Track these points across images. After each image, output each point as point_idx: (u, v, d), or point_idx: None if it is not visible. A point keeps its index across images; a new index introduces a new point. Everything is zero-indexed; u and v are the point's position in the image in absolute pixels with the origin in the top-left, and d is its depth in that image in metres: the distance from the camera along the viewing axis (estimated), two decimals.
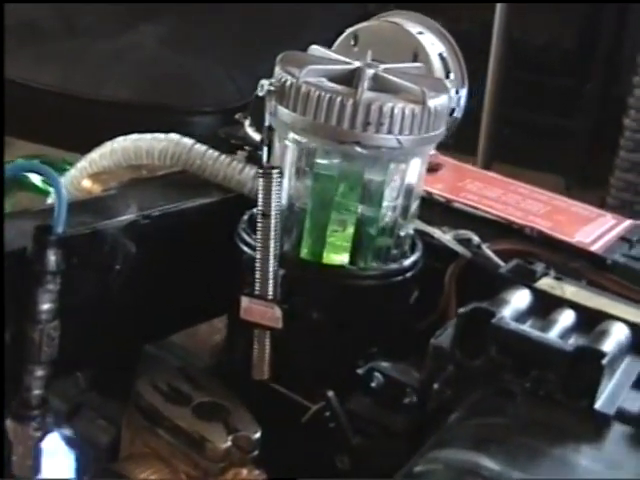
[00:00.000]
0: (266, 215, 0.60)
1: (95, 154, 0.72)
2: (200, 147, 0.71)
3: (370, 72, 0.60)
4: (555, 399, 0.52)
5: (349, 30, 0.82)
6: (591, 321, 0.58)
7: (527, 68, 2.05)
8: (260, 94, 0.60)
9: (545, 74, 2.07)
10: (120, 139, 0.72)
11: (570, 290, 0.61)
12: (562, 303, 0.60)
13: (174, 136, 0.71)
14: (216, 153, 0.71)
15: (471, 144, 1.85)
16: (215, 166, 0.70)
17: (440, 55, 0.82)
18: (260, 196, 0.60)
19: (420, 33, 0.82)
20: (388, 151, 0.59)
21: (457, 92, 0.83)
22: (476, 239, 0.68)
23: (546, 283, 0.62)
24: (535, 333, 0.54)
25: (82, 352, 0.65)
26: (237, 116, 0.80)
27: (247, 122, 0.77)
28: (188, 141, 0.71)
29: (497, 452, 0.49)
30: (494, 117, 1.71)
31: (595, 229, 0.71)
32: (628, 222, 0.73)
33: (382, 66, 0.62)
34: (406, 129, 0.58)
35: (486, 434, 0.52)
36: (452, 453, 0.50)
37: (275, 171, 0.59)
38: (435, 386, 0.55)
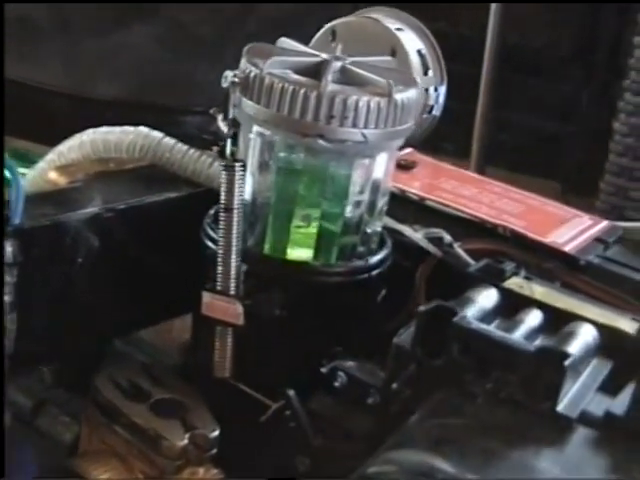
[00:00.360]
0: (228, 209, 0.59)
1: (63, 146, 0.71)
2: (169, 141, 0.70)
3: (337, 64, 0.59)
4: (516, 401, 0.51)
5: (327, 25, 0.81)
6: (559, 322, 0.57)
7: (524, 71, 2.03)
8: (224, 85, 0.59)
9: (542, 78, 2.05)
10: (89, 131, 0.71)
11: (539, 290, 0.60)
12: (530, 303, 0.59)
13: (143, 129, 0.70)
14: (185, 147, 0.70)
15: (466, 148, 1.84)
16: (184, 160, 0.69)
17: (419, 52, 0.81)
18: (223, 190, 0.59)
19: (399, 29, 0.81)
20: (353, 145, 0.58)
21: (436, 90, 0.82)
22: (448, 238, 0.67)
23: (515, 283, 0.61)
24: (497, 333, 0.53)
25: (45, 346, 0.64)
26: (212, 111, 0.79)
27: (220, 117, 0.75)
28: (157, 134, 0.70)
29: (453, 454, 0.48)
30: (487, 121, 1.69)
31: (570, 229, 0.69)
32: (604, 223, 0.72)
33: (350, 59, 0.61)
34: (371, 123, 0.57)
35: (444, 436, 0.50)
36: (407, 454, 0.48)
37: (238, 164, 0.58)
38: (394, 386, 0.54)
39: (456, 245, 0.66)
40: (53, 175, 0.69)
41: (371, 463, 0.49)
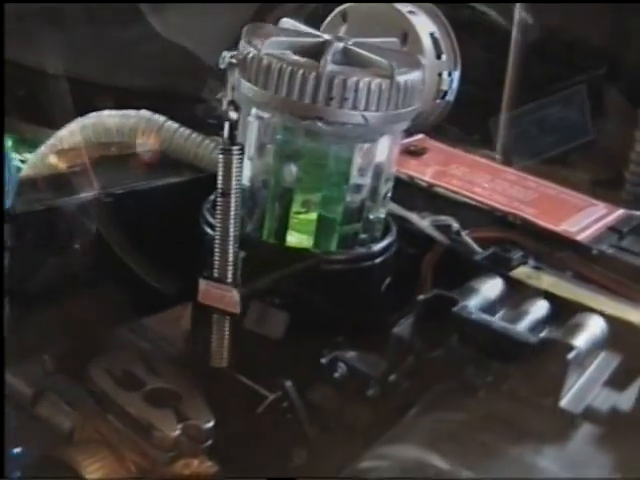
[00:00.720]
0: (226, 194, 0.57)
1: (65, 131, 0.70)
2: (171, 124, 0.68)
3: (339, 45, 0.57)
4: (518, 395, 0.49)
5: (338, 9, 0.79)
6: (567, 314, 0.55)
7: (555, 63, 1.99)
8: (221, 67, 0.57)
9: (574, 69, 2.01)
10: (91, 115, 0.69)
11: (547, 280, 0.58)
12: (538, 294, 0.57)
13: (145, 113, 0.68)
14: (188, 131, 0.68)
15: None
16: (186, 144, 0.68)
17: (432, 35, 0.78)
18: (220, 174, 0.57)
19: (411, 12, 0.78)
20: (353, 128, 0.55)
21: (450, 74, 0.79)
22: (456, 225, 0.65)
23: (523, 272, 0.59)
24: (498, 323, 0.51)
25: (42, 333, 0.63)
26: (219, 95, 0.77)
27: (225, 101, 0.74)
28: (159, 118, 0.68)
29: (449, 450, 0.46)
30: (513, 112, 1.66)
31: (584, 218, 0.67)
32: (620, 212, 0.69)
33: (353, 40, 0.59)
34: (372, 105, 0.55)
35: (441, 430, 0.48)
36: (400, 450, 0.47)
37: (235, 148, 0.56)
38: (392, 377, 0.52)
39: (464, 233, 0.64)
40: (53, 159, 0.68)
41: (364, 458, 0.47)
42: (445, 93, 0.80)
